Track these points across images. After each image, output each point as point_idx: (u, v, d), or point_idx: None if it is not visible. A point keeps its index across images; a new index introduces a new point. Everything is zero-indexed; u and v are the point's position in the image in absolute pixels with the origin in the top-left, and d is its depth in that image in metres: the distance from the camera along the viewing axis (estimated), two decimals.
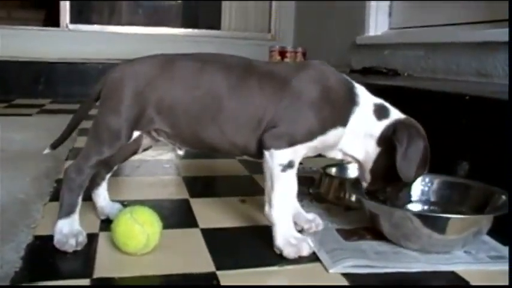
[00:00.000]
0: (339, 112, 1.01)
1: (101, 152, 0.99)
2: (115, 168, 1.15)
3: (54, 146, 1.12)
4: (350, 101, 1.02)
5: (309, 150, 1.02)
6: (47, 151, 1.11)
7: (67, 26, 3.97)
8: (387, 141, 1.02)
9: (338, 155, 1.08)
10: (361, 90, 1.05)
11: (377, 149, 1.04)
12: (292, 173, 1.00)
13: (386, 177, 1.05)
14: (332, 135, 1.01)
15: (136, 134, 1.02)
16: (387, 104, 1.06)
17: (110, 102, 1.01)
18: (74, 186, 0.99)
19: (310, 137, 0.99)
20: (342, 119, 1.02)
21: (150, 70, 1.02)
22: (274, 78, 1.02)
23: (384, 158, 1.03)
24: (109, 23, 4.31)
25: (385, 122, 1.03)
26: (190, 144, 1.07)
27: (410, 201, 1.14)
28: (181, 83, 1.01)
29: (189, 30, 4.37)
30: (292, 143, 0.98)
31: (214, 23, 4.50)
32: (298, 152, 1.00)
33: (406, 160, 0.99)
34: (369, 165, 1.06)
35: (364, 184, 1.09)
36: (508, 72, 1.70)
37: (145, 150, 1.16)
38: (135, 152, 1.15)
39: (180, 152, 1.10)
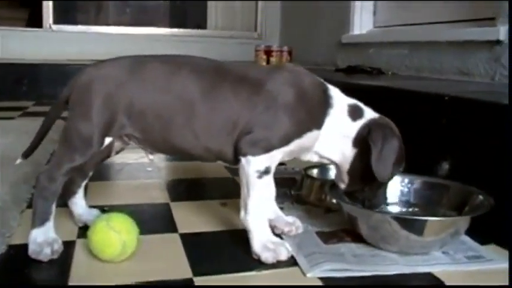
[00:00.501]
0: (314, 115, 1.01)
1: (73, 159, 0.97)
2: (90, 174, 1.14)
3: (25, 154, 1.08)
4: (324, 103, 1.02)
5: (285, 155, 1.02)
6: (19, 161, 1.08)
7: (50, 27, 3.95)
8: (363, 141, 1.02)
9: (314, 158, 1.08)
10: (334, 92, 1.05)
11: (353, 150, 1.04)
12: (268, 179, 1.00)
13: (364, 177, 1.05)
14: (308, 138, 1.01)
15: (108, 140, 1.00)
16: (361, 104, 1.07)
17: (80, 108, 0.98)
18: (47, 194, 0.97)
19: (286, 141, 0.98)
20: (317, 122, 1.01)
21: (120, 73, 0.99)
22: (247, 82, 1.01)
23: (360, 159, 1.03)
24: (95, 23, 4.28)
25: (360, 123, 1.04)
26: (161, 149, 1.05)
27: (387, 200, 1.14)
28: (152, 87, 0.99)
29: (176, 30, 4.35)
30: (268, 148, 0.97)
31: (201, 23, 4.49)
32: (275, 157, 0.99)
33: (381, 160, 0.99)
34: (346, 166, 1.06)
35: (342, 185, 1.09)
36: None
37: (117, 152, 1.14)
38: (108, 156, 1.13)
39: (151, 157, 1.09)
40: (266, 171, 0.99)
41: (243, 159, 0.98)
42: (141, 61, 1.02)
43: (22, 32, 3.88)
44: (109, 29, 4.14)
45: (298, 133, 0.99)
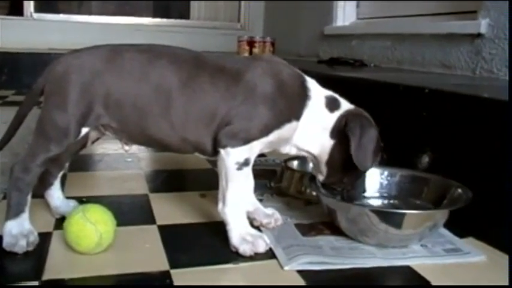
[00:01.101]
0: (293, 106, 1.01)
1: (48, 150, 0.96)
2: (66, 165, 1.12)
3: None
4: (303, 95, 1.02)
5: (264, 146, 1.02)
6: None
7: (31, 15, 3.89)
8: (340, 132, 1.02)
9: (292, 150, 1.08)
10: (312, 84, 1.05)
11: (331, 141, 1.04)
12: (247, 171, 1.00)
13: (342, 168, 1.05)
14: (287, 129, 1.00)
15: (84, 130, 0.99)
16: (337, 96, 1.07)
17: (55, 98, 0.97)
18: (21, 186, 0.95)
19: (266, 132, 0.98)
20: (296, 113, 1.01)
21: (96, 62, 0.98)
22: (226, 73, 1.00)
23: (338, 150, 1.04)
24: (78, 12, 4.22)
25: (337, 114, 1.04)
26: (138, 140, 1.04)
27: (365, 193, 1.14)
28: (129, 76, 0.98)
29: (159, 20, 4.31)
30: (248, 140, 0.97)
31: (184, 13, 4.45)
32: (254, 149, 0.99)
33: (360, 149, 1.00)
34: (324, 158, 1.06)
35: (320, 177, 1.09)
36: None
37: (93, 142, 1.12)
38: (84, 146, 1.11)
39: (127, 148, 1.07)
40: (245, 163, 0.98)
41: (222, 151, 0.97)
42: (119, 50, 1.00)
43: (3, 20, 3.81)
44: (91, 18, 4.09)
45: (278, 124, 0.99)
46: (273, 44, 3.59)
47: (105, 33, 3.78)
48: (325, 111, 1.04)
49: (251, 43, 3.55)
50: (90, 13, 4.26)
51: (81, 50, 1.01)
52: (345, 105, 1.06)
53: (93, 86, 0.96)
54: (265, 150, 1.05)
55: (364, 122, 1.02)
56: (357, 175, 1.07)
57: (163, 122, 0.98)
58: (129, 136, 1.03)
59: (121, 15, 4.20)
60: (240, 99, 0.97)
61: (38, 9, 3.93)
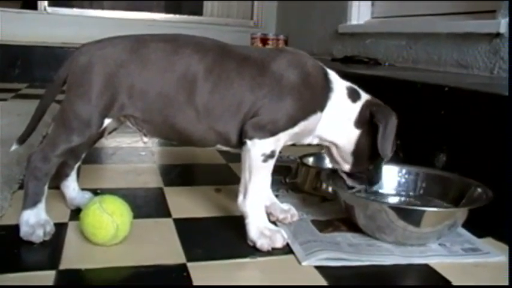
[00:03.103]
0: (317, 97, 1.01)
1: (70, 140, 0.95)
2: (83, 156, 1.11)
3: (21, 140, 1.05)
4: (326, 86, 1.02)
5: (290, 138, 1.01)
6: (14, 147, 1.04)
7: (45, 9, 3.90)
8: (365, 122, 1.03)
9: (314, 141, 1.07)
10: (333, 76, 1.05)
11: (356, 131, 1.04)
12: (271, 164, 0.99)
13: (368, 157, 1.05)
14: (312, 120, 1.00)
15: (107, 121, 0.98)
16: (356, 87, 1.08)
17: (79, 88, 0.96)
18: (39, 175, 0.95)
19: (292, 123, 0.97)
20: (320, 104, 1.01)
21: (121, 53, 0.97)
22: (252, 62, 0.99)
23: (364, 139, 1.04)
24: (90, 7, 4.23)
25: (359, 104, 1.05)
26: (160, 131, 1.02)
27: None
28: (154, 66, 0.97)
29: (171, 16, 4.31)
30: (275, 131, 0.96)
31: (196, 9, 4.44)
32: (281, 140, 0.99)
33: (385, 138, 1.00)
34: (349, 147, 1.05)
35: (346, 167, 1.08)
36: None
37: (110, 133, 1.11)
38: (101, 137, 1.11)
39: (145, 140, 1.06)
40: (271, 155, 0.98)
41: (248, 142, 0.96)
42: (143, 40, 0.99)
43: (17, 14, 3.82)
44: (104, 13, 4.09)
45: (304, 115, 0.98)
46: (286, 41, 3.58)
47: (117, 28, 3.75)
48: (348, 102, 1.04)
49: (264, 40, 3.55)
50: (102, 7, 4.26)
51: (104, 40, 1.00)
52: (364, 96, 1.06)
53: (117, 77, 0.96)
54: (289, 142, 1.04)
55: (387, 112, 1.03)
56: (379, 164, 1.07)
57: (189, 111, 0.97)
58: (151, 126, 1.01)
59: (132, 11, 4.19)
60: (266, 89, 0.97)
61: (52, 3, 3.94)
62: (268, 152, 0.97)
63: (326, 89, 1.02)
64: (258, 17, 4.41)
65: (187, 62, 0.97)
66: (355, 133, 1.04)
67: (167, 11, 4.47)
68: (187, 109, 0.97)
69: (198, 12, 4.44)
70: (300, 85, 0.98)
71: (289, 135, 0.99)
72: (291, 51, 1.04)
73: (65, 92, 0.98)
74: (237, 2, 4.43)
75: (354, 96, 1.05)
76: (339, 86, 1.04)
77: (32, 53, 3.44)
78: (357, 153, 1.05)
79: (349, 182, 1.11)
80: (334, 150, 1.08)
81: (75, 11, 4.02)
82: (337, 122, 1.04)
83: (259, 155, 0.97)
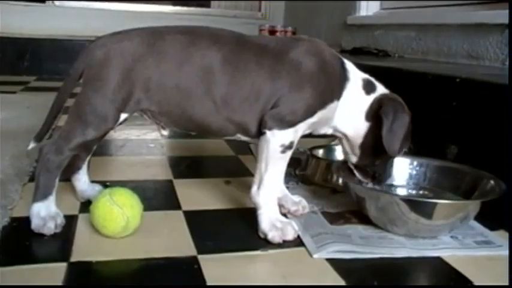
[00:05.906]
0: (334, 85, 1.00)
1: (85, 134, 0.94)
2: (94, 148, 1.11)
3: (38, 138, 1.03)
4: (343, 76, 1.01)
5: (307, 127, 1.01)
6: (32, 145, 1.03)
7: (53, 2, 3.89)
8: (375, 115, 1.01)
9: (329, 131, 1.07)
10: (350, 65, 1.04)
11: (366, 123, 1.03)
12: (289, 155, 0.99)
13: (375, 151, 1.04)
14: (330, 109, 1.00)
15: (123, 116, 0.97)
16: (373, 79, 1.06)
17: (95, 83, 0.95)
18: (51, 167, 0.94)
19: (310, 112, 0.97)
20: (337, 93, 1.01)
21: (138, 47, 0.96)
22: (269, 51, 0.99)
23: (372, 133, 1.02)
24: None
25: (373, 97, 1.03)
26: (178, 123, 1.01)
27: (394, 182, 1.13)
28: (172, 59, 0.96)
29: (179, 8, 4.30)
30: (295, 122, 0.96)
31: (204, 1, 4.43)
32: (299, 131, 0.98)
33: (391, 134, 0.98)
34: (358, 140, 1.04)
35: (353, 159, 1.08)
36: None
37: (120, 123, 1.11)
38: (111, 128, 1.10)
39: (165, 133, 1.06)
40: (290, 146, 0.97)
41: (268, 133, 0.96)
42: (159, 33, 0.98)
43: (25, 6, 3.82)
44: (112, 5, 4.08)
45: (322, 104, 0.98)
46: (294, 33, 3.57)
47: (125, 20, 3.76)
48: (362, 93, 1.03)
49: (272, 32, 3.54)
50: (109, 1, 4.25)
51: (120, 33, 0.99)
52: (381, 89, 1.05)
53: (134, 71, 0.95)
54: (307, 132, 1.04)
55: (397, 107, 1.01)
56: (387, 159, 1.06)
57: (207, 102, 0.97)
58: (169, 119, 1.01)
59: (140, 2, 4.18)
60: (285, 78, 0.96)
61: None
62: (287, 143, 0.97)
63: (342, 78, 1.01)
64: (266, 9, 4.39)
65: (204, 54, 0.96)
66: (364, 126, 1.03)
67: (175, 3, 4.46)
68: (206, 101, 0.96)
69: (206, 4, 4.42)
70: (318, 73, 0.97)
71: (307, 124, 0.99)
72: (308, 39, 1.03)
73: (80, 85, 0.97)
74: None
75: (368, 88, 1.03)
76: (355, 76, 1.03)
77: (40, 46, 3.44)
78: (364, 146, 1.04)
79: (357, 174, 1.10)
80: (344, 141, 1.07)
81: (83, 3, 4.01)
82: (350, 113, 1.03)
83: (278, 146, 0.96)
